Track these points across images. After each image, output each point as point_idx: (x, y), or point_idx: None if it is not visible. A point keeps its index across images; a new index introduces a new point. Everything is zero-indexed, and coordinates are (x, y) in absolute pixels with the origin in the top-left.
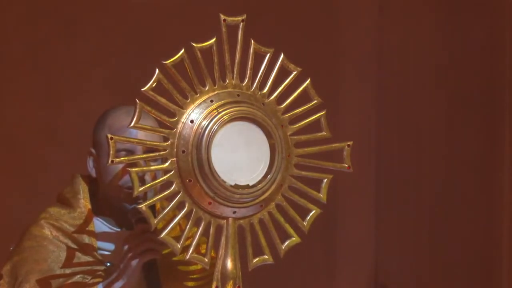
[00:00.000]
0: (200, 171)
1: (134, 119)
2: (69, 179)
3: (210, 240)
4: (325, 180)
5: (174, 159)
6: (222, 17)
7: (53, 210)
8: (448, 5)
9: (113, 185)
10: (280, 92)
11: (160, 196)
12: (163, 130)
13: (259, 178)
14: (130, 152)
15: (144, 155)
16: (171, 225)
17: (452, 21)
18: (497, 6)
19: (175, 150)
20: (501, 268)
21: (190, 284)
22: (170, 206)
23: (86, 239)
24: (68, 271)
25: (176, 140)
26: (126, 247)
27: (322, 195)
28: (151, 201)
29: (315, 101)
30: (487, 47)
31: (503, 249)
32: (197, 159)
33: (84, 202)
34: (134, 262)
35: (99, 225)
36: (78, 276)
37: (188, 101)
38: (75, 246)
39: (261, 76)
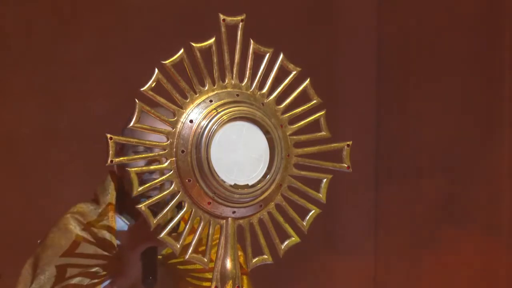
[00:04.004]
0: (200, 171)
1: (134, 119)
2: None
3: (209, 240)
4: (325, 180)
5: (174, 159)
6: (222, 17)
7: (81, 205)
8: None
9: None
10: (279, 92)
11: (160, 195)
12: (163, 130)
13: (259, 178)
14: (148, 148)
15: (144, 155)
16: (171, 225)
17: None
18: None
19: (174, 150)
20: (501, 268)
21: (206, 284)
22: (170, 206)
23: (106, 235)
24: (82, 262)
25: (175, 140)
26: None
27: (322, 195)
28: (150, 200)
29: (315, 101)
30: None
31: (503, 249)
32: (196, 159)
33: (110, 198)
34: (131, 252)
35: (121, 223)
36: (79, 278)
37: (187, 101)
38: (95, 242)
39: (260, 76)
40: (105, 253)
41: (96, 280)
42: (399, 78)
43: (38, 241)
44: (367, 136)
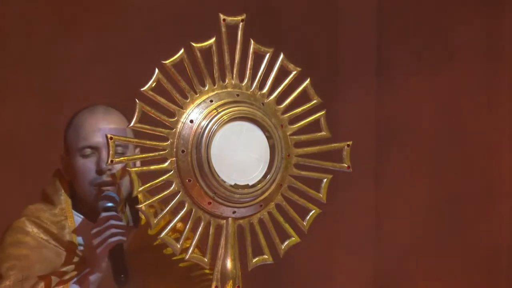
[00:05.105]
0: (200, 171)
1: (134, 119)
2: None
3: (210, 240)
4: (325, 180)
5: (174, 159)
6: (222, 16)
7: (35, 207)
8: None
9: (83, 183)
10: (279, 92)
11: (160, 196)
12: (163, 130)
13: (259, 178)
14: (95, 149)
15: (144, 155)
16: (171, 225)
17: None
18: None
19: (174, 150)
20: (501, 267)
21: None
22: (170, 206)
23: (67, 235)
24: (47, 264)
25: (175, 140)
26: (92, 232)
27: (322, 195)
28: (150, 201)
29: (315, 101)
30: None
31: (503, 249)
32: (196, 159)
33: (64, 198)
34: (99, 249)
35: (79, 221)
36: (69, 266)
37: (187, 101)
38: (56, 244)
39: (260, 76)
40: (67, 253)
41: (66, 277)
42: (399, 79)
43: None
44: (368, 136)
